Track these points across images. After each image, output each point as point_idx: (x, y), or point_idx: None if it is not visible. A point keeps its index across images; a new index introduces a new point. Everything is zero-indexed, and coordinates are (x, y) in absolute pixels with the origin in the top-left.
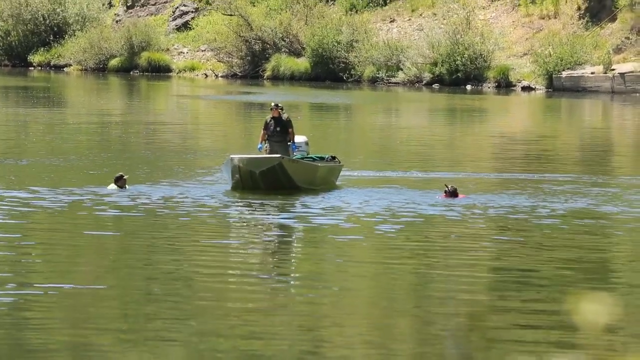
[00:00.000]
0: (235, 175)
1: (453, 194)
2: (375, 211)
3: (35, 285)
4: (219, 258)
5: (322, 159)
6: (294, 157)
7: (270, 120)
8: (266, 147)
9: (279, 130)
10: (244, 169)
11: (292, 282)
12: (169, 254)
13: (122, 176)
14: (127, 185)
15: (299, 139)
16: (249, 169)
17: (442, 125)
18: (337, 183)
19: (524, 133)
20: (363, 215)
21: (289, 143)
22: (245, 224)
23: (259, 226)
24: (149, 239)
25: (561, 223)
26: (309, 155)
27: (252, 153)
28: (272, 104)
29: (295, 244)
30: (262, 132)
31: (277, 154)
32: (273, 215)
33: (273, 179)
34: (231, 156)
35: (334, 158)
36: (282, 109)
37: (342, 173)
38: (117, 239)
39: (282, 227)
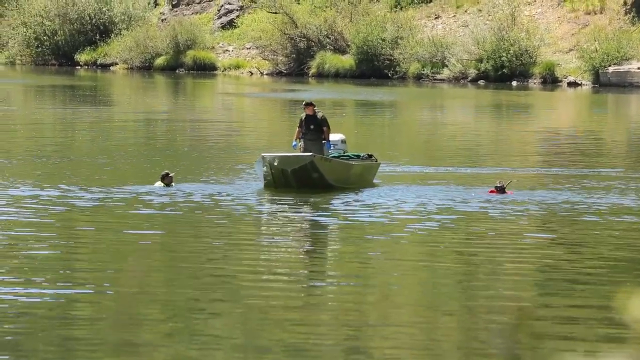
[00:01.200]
0: (267, 173)
1: (501, 190)
2: (418, 208)
3: (79, 284)
4: (260, 257)
5: (358, 157)
6: (328, 156)
7: (305, 118)
8: (300, 145)
9: (313, 129)
10: (276, 167)
11: (333, 281)
12: (212, 252)
13: (168, 174)
14: (173, 183)
15: (334, 136)
16: (280, 167)
17: (488, 122)
18: (375, 181)
19: (571, 129)
20: (404, 212)
21: (323, 141)
22: (284, 222)
23: (299, 224)
24: (193, 237)
25: (608, 219)
26: (345, 154)
27: (287, 151)
28: (304, 101)
29: (335, 242)
30: (297, 129)
31: (310, 152)
32: (311, 213)
33: (305, 177)
34: (263, 154)
35: (370, 156)
36: (310, 105)
37: (386, 169)
38: (161, 237)
39: (321, 225)
